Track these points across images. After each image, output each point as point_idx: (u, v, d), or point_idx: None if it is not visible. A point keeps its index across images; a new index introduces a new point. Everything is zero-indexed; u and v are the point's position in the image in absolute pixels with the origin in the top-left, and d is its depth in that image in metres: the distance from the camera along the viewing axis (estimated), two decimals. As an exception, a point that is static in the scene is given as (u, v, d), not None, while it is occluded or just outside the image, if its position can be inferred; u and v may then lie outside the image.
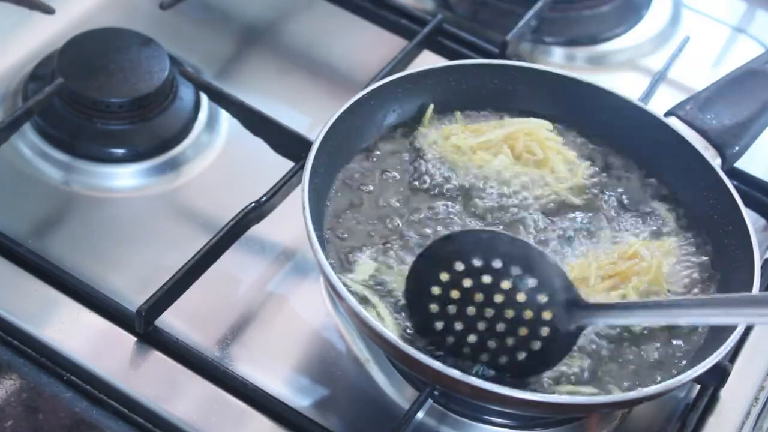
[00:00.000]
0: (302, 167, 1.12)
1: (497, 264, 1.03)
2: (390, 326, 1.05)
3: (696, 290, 1.13)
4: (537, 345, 1.03)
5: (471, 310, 1.03)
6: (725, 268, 1.14)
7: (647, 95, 1.37)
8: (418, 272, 1.06)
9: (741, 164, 1.27)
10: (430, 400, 1.09)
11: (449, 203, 1.17)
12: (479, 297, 1.03)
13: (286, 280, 1.19)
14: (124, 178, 1.26)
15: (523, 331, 1.03)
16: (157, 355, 1.10)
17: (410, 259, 1.10)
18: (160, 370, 1.09)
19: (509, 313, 1.03)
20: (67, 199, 1.23)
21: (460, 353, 1.04)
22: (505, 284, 1.03)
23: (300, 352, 1.14)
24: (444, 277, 1.04)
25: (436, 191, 1.18)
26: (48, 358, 1.09)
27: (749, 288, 1.08)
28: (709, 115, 1.23)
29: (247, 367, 1.11)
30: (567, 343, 1.04)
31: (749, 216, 1.16)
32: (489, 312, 1.03)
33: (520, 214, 1.17)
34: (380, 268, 1.11)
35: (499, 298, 1.03)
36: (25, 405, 1.06)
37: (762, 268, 1.12)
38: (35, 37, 1.37)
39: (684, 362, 1.08)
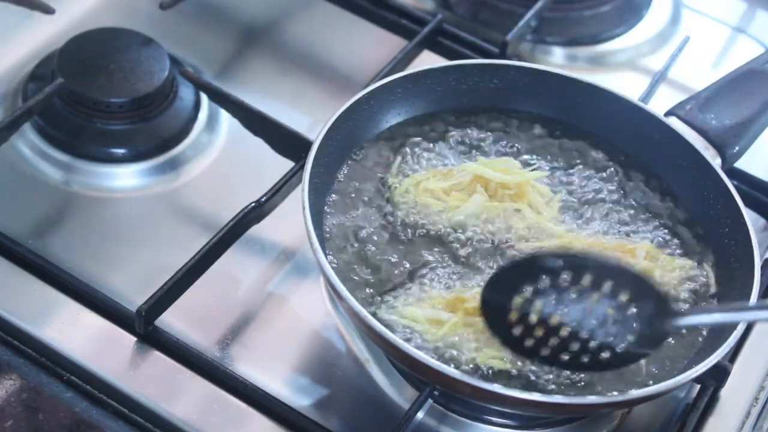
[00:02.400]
0: (302, 167, 1.12)
1: (586, 281, 0.99)
2: None
3: (694, 291, 1.14)
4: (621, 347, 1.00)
5: (554, 320, 1.00)
6: (725, 268, 1.14)
7: (647, 95, 1.37)
8: (496, 288, 1.02)
9: (741, 164, 1.27)
10: (430, 400, 1.09)
11: (434, 250, 1.14)
12: (565, 310, 1.00)
13: (286, 280, 1.19)
14: (124, 178, 1.26)
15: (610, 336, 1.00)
16: (157, 355, 1.10)
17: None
18: (160, 370, 1.09)
19: (594, 322, 1.00)
20: (67, 199, 1.23)
21: (536, 355, 1.01)
22: (594, 298, 0.99)
23: (300, 352, 1.14)
24: (527, 292, 1.00)
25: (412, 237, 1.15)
26: (48, 358, 1.09)
27: (749, 288, 1.08)
28: (709, 115, 1.23)
29: (247, 367, 1.11)
30: (651, 345, 1.01)
31: (749, 216, 1.16)
32: (572, 322, 1.00)
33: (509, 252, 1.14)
34: None
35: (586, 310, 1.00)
36: (25, 405, 1.05)
37: (762, 268, 1.11)
38: (35, 37, 1.37)
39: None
